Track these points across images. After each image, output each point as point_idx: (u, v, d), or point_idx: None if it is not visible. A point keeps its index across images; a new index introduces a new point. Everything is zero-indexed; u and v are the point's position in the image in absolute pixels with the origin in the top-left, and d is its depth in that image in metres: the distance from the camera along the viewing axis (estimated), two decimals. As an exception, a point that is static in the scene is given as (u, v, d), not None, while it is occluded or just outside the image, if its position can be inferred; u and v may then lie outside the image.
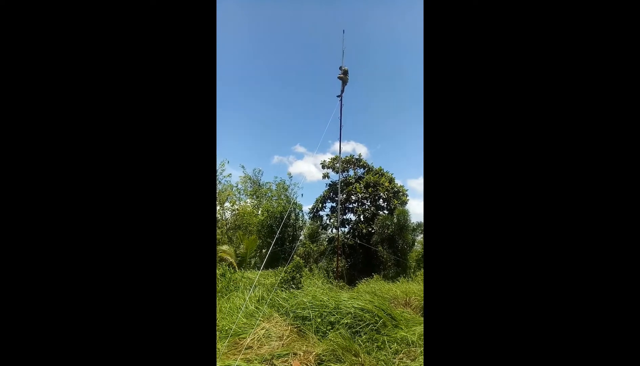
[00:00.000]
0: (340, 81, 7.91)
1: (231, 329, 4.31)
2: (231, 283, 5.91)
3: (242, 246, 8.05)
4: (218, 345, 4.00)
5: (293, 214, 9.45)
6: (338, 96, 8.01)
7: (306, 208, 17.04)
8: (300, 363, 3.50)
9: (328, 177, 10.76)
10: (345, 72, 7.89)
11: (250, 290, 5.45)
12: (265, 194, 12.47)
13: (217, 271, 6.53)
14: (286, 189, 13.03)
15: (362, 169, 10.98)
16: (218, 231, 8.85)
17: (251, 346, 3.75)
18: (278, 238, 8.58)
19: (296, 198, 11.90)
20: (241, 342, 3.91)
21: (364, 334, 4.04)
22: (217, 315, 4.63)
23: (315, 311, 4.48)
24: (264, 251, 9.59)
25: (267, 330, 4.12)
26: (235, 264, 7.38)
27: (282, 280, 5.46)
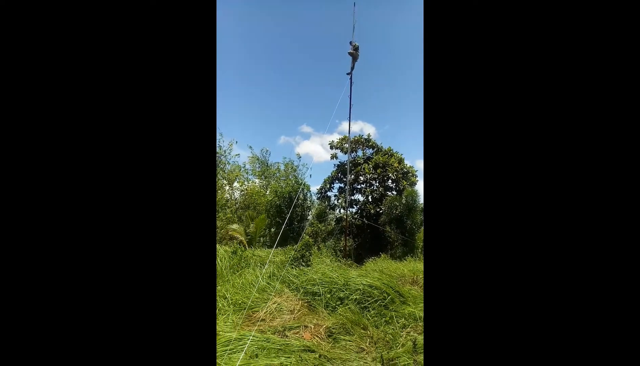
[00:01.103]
0: (351, 58, 7.64)
1: (245, 303, 4.48)
2: (242, 260, 6.09)
3: (251, 225, 8.22)
4: (232, 317, 4.19)
5: (301, 195, 9.52)
6: (348, 74, 7.77)
7: (314, 188, 17.15)
8: (311, 335, 3.66)
9: (336, 157, 10.70)
10: (356, 48, 7.58)
11: (260, 267, 5.62)
12: (274, 175, 12.54)
13: (229, 248, 6.72)
14: (294, 170, 13.06)
15: (371, 150, 10.85)
16: (228, 210, 9.02)
17: (264, 319, 3.92)
18: (286, 218, 8.72)
19: (304, 178, 11.95)
20: (254, 315, 4.08)
21: (373, 309, 4.16)
22: (231, 289, 4.82)
23: (324, 287, 4.61)
24: (272, 230, 9.78)
25: (278, 304, 4.28)
26: (245, 242, 7.56)
27: (292, 258, 5.60)
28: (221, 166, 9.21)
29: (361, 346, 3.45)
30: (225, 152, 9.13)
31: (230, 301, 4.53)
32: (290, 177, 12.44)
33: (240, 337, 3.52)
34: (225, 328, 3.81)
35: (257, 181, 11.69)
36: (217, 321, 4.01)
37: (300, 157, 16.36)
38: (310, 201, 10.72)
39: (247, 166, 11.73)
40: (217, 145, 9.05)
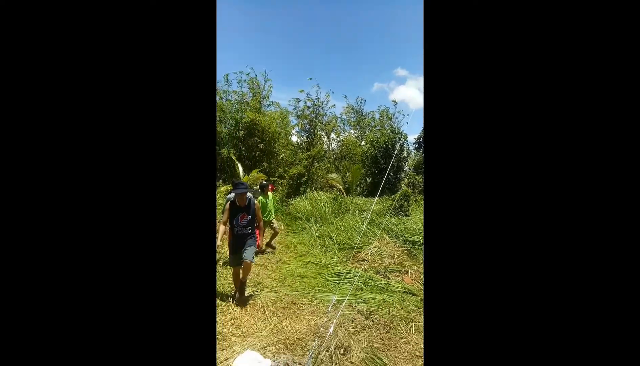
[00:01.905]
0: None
1: (347, 244, 4.96)
2: (342, 206, 6.57)
3: (347, 174, 8.60)
4: (338, 254, 4.74)
5: (397, 144, 9.13)
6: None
7: (411, 137, 16.06)
8: (412, 279, 3.82)
9: (439, 102, 9.47)
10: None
11: (359, 213, 5.97)
12: (369, 124, 12.29)
13: (330, 195, 7.33)
14: (390, 118, 12.41)
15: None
16: (326, 160, 9.61)
17: (365, 259, 4.29)
18: (382, 168, 8.65)
19: (401, 127, 11.28)
20: (357, 255, 4.51)
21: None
22: (334, 232, 5.38)
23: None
24: (368, 180, 9.97)
25: (379, 248, 4.56)
26: (343, 190, 8.03)
27: (391, 207, 5.68)
28: (319, 118, 9.60)
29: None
30: (322, 103, 9.39)
31: (335, 241, 5.10)
32: (385, 126, 11.95)
33: (346, 272, 4.01)
34: (333, 263, 4.38)
35: (352, 131, 11.75)
36: (325, 257, 4.65)
37: (396, 103, 15.26)
38: (407, 151, 10.21)
39: (343, 117, 11.84)
40: (315, 97, 9.36)
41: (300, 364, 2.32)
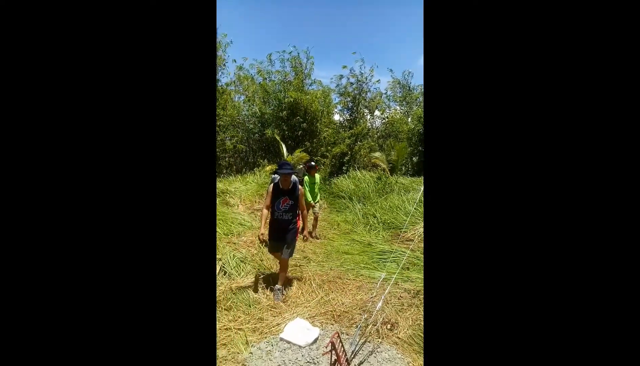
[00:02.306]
0: None
1: (392, 223, 4.84)
2: (387, 186, 6.38)
3: (392, 153, 8.25)
4: (382, 233, 4.67)
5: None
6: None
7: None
8: (463, 262, 3.61)
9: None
10: None
11: (404, 193, 5.74)
12: (416, 100, 11.50)
13: (374, 174, 7.15)
14: (440, 92, 11.38)
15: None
16: (369, 139, 9.33)
17: (412, 240, 4.15)
18: (431, 146, 8.10)
19: (452, 101, 10.29)
20: (403, 235, 4.39)
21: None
22: (378, 211, 5.28)
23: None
24: (414, 159, 9.49)
25: (427, 229, 4.36)
26: (387, 169, 7.77)
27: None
28: (363, 94, 9.24)
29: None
30: (366, 79, 8.98)
31: (379, 220, 5.01)
32: (434, 101, 11.00)
33: (392, 250, 3.94)
34: (377, 241, 4.33)
35: (398, 107, 11.09)
36: (369, 235, 4.61)
37: (446, 75, 13.89)
38: (459, 127, 9.38)
39: (388, 92, 11.16)
40: (358, 72, 8.97)
41: (347, 335, 2.38)
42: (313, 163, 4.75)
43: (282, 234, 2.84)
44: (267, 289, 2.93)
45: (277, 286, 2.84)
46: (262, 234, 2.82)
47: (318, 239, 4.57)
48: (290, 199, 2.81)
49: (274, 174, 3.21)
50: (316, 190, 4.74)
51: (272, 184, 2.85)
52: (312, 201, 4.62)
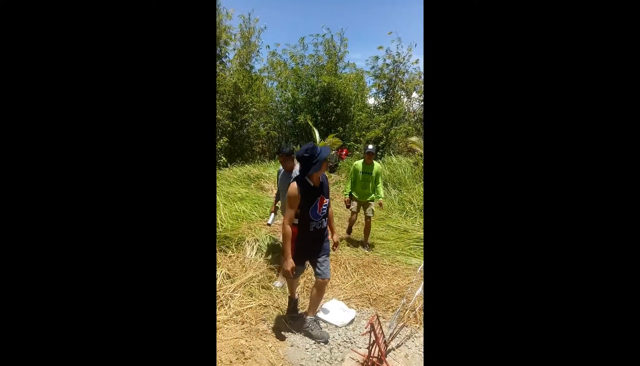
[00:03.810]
0: None
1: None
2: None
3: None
4: (420, 220, 4.48)
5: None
6: None
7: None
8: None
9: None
10: None
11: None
12: (457, 80, 10.63)
13: (410, 159, 6.85)
14: (485, 70, 10.44)
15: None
16: (405, 123, 8.89)
17: (452, 227, 3.93)
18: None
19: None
20: (442, 222, 4.17)
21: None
22: (415, 197, 5.06)
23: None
24: (454, 144, 8.89)
25: (469, 216, 4.10)
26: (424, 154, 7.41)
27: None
28: (399, 76, 8.77)
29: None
30: (404, 59, 8.48)
31: (416, 206, 4.82)
32: (478, 80, 10.13)
33: (430, 238, 3.76)
34: (414, 228, 4.18)
35: (437, 88, 10.32)
36: (405, 222, 4.46)
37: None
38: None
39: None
40: (395, 53, 8.49)
41: (384, 318, 2.34)
42: (371, 147, 3.40)
43: (319, 245, 2.00)
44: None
45: (309, 317, 2.08)
46: (293, 267, 1.87)
47: (369, 250, 3.51)
48: (326, 197, 1.95)
49: (289, 171, 2.44)
50: (372, 185, 3.43)
51: (296, 184, 1.84)
52: (358, 196, 3.48)
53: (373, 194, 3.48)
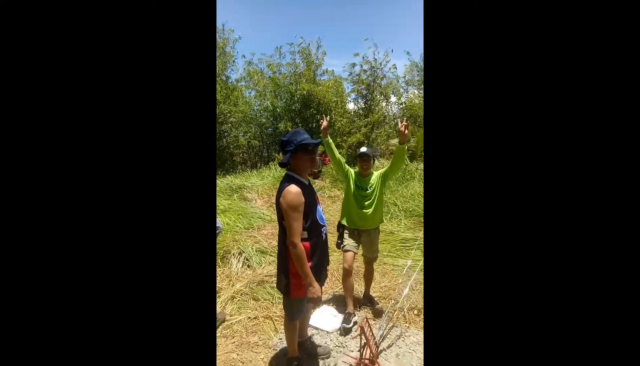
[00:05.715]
0: None
1: (414, 211, 4.73)
2: (407, 173, 6.24)
3: (412, 140, 8.01)
4: (404, 221, 4.57)
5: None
6: None
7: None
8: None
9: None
10: None
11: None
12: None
13: (391, 162, 7.00)
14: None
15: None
16: (386, 126, 9.10)
17: (435, 226, 4.04)
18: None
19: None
20: (425, 221, 4.28)
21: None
22: (399, 199, 5.17)
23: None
24: (433, 144, 9.17)
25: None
26: (407, 157, 7.60)
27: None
28: (378, 81, 9.00)
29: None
30: (381, 65, 8.72)
31: (400, 208, 4.92)
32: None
33: (415, 238, 3.86)
34: (399, 229, 4.26)
35: (416, 91, 10.61)
36: (390, 224, 4.54)
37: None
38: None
39: (406, 77, 10.63)
40: (372, 58, 8.72)
41: (374, 320, 2.36)
42: (364, 149, 2.19)
43: (328, 258, 1.67)
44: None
45: (294, 357, 1.79)
46: (316, 297, 1.46)
47: (373, 307, 2.48)
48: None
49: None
50: (374, 204, 2.19)
51: (295, 186, 1.40)
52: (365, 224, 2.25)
53: (376, 216, 2.20)
